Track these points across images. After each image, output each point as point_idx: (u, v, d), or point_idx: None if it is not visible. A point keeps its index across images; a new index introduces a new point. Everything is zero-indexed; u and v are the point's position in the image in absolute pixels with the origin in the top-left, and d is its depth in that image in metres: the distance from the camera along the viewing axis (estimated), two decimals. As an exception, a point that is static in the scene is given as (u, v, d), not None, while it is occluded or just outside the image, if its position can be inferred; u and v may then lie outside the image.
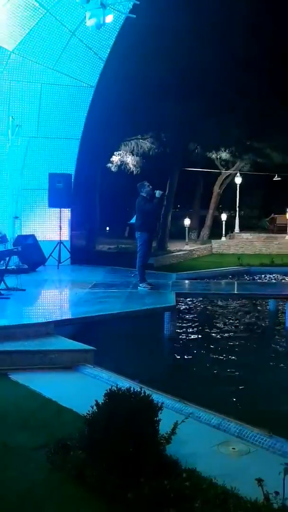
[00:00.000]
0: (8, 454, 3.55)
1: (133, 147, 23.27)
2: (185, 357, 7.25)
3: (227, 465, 3.41)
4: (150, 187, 9.32)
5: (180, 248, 23.18)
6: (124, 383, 4.44)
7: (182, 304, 10.71)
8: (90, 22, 9.31)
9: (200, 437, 3.84)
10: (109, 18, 9.24)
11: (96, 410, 3.34)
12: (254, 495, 2.80)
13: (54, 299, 9.36)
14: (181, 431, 3.35)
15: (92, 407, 3.35)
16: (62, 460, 3.38)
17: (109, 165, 24.58)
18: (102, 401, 3.35)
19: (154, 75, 16.18)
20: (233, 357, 7.26)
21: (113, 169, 24.75)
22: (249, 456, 3.54)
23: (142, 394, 3.39)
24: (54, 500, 3.02)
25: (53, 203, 12.55)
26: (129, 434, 3.13)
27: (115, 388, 3.41)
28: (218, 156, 27.12)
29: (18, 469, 3.36)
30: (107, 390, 3.39)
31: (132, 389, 3.43)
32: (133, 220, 9.60)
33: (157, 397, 3.82)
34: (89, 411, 3.38)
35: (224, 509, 2.76)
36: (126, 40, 12.62)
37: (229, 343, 8.02)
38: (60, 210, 12.66)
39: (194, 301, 11.29)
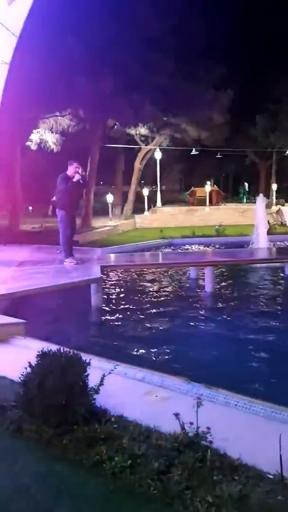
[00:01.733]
0: None
1: (52, 124, 23.04)
2: (112, 324, 7.65)
3: (151, 409, 3.84)
4: (75, 168, 9.54)
5: (104, 224, 23.47)
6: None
7: (108, 276, 11.06)
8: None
9: (126, 390, 4.24)
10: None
11: (29, 370, 3.64)
12: (174, 429, 3.25)
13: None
14: (109, 386, 3.70)
15: (26, 368, 3.64)
16: (0, 419, 3.67)
17: (29, 143, 24.19)
18: (35, 362, 3.65)
19: (69, 51, 16.10)
20: (157, 321, 7.75)
21: (33, 147, 24.39)
22: (169, 401, 3.99)
23: (72, 353, 3.73)
24: (-6, 452, 3.32)
25: (-28, 184, 12.37)
26: (60, 388, 3.46)
27: (46, 350, 3.72)
28: (137, 132, 27.45)
29: None
30: (39, 352, 3.69)
31: (62, 349, 3.76)
32: (55, 198, 9.78)
33: (86, 358, 4.16)
34: (22, 373, 3.66)
35: (148, 442, 3.19)
36: (39, 15, 12.49)
37: (154, 309, 8.51)
38: (-20, 190, 12.51)
39: (119, 273, 11.70)
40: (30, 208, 36.01)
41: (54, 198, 9.77)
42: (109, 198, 26.26)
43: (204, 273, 10.03)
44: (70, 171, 9.56)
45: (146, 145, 30.27)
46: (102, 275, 8.84)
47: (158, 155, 30.39)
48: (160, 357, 6.01)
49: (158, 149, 30.26)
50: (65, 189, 9.40)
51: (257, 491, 2.65)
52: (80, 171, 9.60)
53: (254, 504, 2.54)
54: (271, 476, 2.83)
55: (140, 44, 18.30)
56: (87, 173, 22.57)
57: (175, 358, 5.93)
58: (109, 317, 8.08)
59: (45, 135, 24.22)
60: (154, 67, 18.88)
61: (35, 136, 24.24)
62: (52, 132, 23.94)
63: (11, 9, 11.03)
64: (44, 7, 12.42)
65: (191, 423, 3.15)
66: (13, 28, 12.00)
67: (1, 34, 12.02)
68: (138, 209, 29.96)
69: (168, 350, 6.28)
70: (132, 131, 27.06)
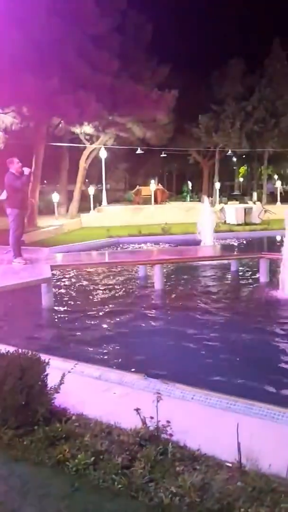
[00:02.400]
0: None
1: (-6, 122, 22.50)
2: (64, 323, 7.63)
3: (110, 406, 3.89)
4: (20, 163, 9.41)
5: (50, 224, 23.23)
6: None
7: (58, 275, 10.99)
8: None
9: (85, 388, 4.27)
10: None
11: (-14, 372, 3.60)
12: (134, 425, 3.32)
13: None
14: (67, 385, 3.72)
15: (-17, 371, 3.60)
16: None
17: None
18: (-8, 364, 3.62)
19: (13, 47, 15.82)
20: (108, 319, 7.80)
21: (-26, 145, 23.73)
22: (128, 397, 4.06)
23: (30, 353, 3.72)
24: None
25: None
26: (20, 389, 3.45)
27: (4, 351, 3.70)
28: (82, 131, 27.30)
29: None
30: (-4, 353, 3.66)
31: (19, 350, 3.74)
32: (2, 197, 9.60)
33: (44, 357, 4.16)
34: (-21, 375, 3.61)
35: (110, 439, 3.25)
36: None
37: (105, 308, 8.55)
38: None
39: (69, 272, 11.64)
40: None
41: (1, 198, 9.58)
42: (55, 197, 26.02)
43: (153, 271, 10.16)
44: (13, 168, 9.42)
45: (91, 144, 30.14)
46: (52, 275, 8.79)
47: (103, 154, 30.33)
48: (113, 353, 6.07)
49: (103, 148, 30.21)
50: (21, 186, 9.30)
51: (218, 478, 2.76)
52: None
53: (216, 491, 2.65)
54: (229, 464, 2.96)
55: (86, 42, 18.28)
56: (32, 171, 22.33)
57: (128, 354, 6.02)
58: (60, 317, 8.05)
59: (-14, 133, 23.62)
60: (99, 66, 18.89)
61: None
62: (-6, 130, 23.38)
63: None
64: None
65: (152, 418, 3.24)
66: None
67: None
68: (84, 208, 29.82)
69: (120, 347, 6.36)
70: (77, 130, 26.89)
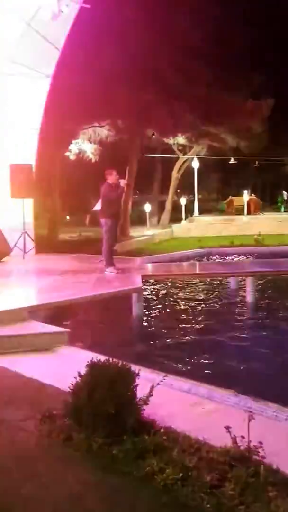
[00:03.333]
0: (-2, 426, 3.84)
1: (91, 135, 23.32)
2: (154, 334, 7.65)
3: (198, 421, 3.82)
4: (117, 176, 9.68)
5: (142, 234, 23.57)
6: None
7: (149, 285, 11.08)
8: (46, 13, 9.49)
9: (173, 401, 4.23)
10: (64, 9, 9.43)
11: (78, 380, 3.68)
12: (224, 443, 3.21)
13: (26, 287, 9.51)
14: (155, 397, 3.69)
15: (75, 378, 3.68)
16: (50, 427, 3.71)
17: (68, 153, 24.56)
18: (84, 372, 3.68)
19: (108, 62, 16.34)
20: (200, 331, 7.70)
21: (72, 157, 24.73)
22: (217, 413, 3.96)
23: (120, 363, 3.75)
24: (45, 460, 3.36)
25: (15, 194, 12.63)
26: (110, 398, 3.48)
27: (95, 360, 3.75)
28: (175, 142, 27.49)
29: (10, 437, 3.66)
30: (88, 362, 3.73)
31: (110, 359, 3.78)
32: (97, 207, 9.88)
33: (134, 367, 4.18)
34: (71, 383, 3.70)
35: (198, 455, 3.17)
36: (80, 28, 12.75)
37: (196, 320, 8.47)
38: (22, 201, 12.75)
39: (160, 282, 11.69)
40: (68, 217, 36.46)
41: (96, 208, 9.87)
42: (147, 207, 26.42)
43: (245, 284, 9.92)
44: (111, 179, 9.67)
45: (183, 155, 30.27)
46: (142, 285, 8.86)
47: (195, 164, 30.34)
48: (203, 367, 5.97)
49: (195, 158, 30.21)
50: (116, 197, 9.55)
51: (314, 509, 2.59)
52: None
53: (312, 523, 2.48)
54: None
55: (179, 53, 18.43)
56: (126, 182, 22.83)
57: (219, 369, 5.89)
58: (150, 327, 8.09)
59: (83, 145, 24.51)
60: (192, 77, 18.94)
61: (73, 146, 24.57)
62: (90, 142, 24.22)
63: (54, 23, 11.29)
64: (85, 20, 12.66)
65: (243, 437, 3.12)
66: (55, 42, 12.31)
67: (43, 47, 12.33)
68: (175, 218, 29.96)
69: (209, 360, 6.24)
70: (170, 141, 27.12)
